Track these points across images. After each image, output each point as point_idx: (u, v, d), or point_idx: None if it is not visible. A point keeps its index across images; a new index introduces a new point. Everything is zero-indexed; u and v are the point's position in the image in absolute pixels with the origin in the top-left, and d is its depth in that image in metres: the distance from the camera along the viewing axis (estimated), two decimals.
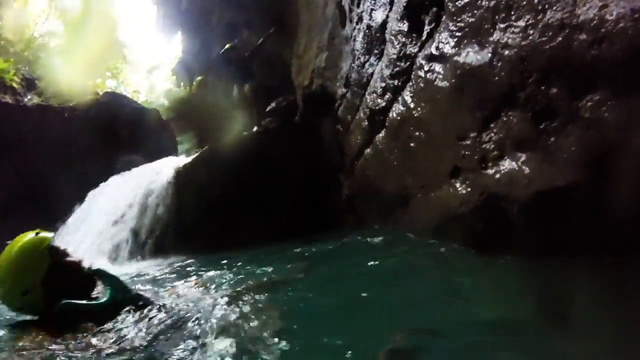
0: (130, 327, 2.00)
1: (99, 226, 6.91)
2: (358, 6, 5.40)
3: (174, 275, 4.37)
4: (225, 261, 4.69)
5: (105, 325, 2.01)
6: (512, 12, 2.13)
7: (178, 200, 7.07)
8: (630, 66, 1.60)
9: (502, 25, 2.22)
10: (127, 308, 2.12)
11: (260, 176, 7.24)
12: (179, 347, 1.79)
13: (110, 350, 1.83)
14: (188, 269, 4.86)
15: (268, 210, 6.97)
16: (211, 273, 3.78)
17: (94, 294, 2.34)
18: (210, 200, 7.07)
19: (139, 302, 2.20)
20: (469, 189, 2.78)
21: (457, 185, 2.93)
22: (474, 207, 2.75)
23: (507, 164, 2.43)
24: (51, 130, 9.92)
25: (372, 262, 3.17)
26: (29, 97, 10.52)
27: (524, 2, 2.03)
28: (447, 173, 3.09)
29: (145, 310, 2.12)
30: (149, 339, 1.88)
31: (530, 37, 2.02)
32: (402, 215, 4.60)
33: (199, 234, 6.72)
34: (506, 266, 2.41)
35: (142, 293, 2.42)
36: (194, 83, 12.51)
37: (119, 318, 2.08)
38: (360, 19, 5.35)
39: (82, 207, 7.60)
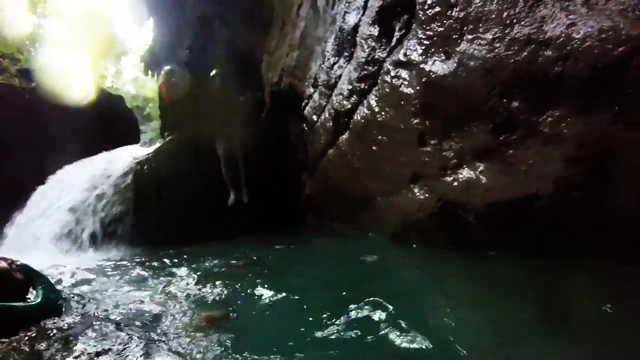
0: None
1: (54, 217, 6.55)
2: (332, 8, 5.36)
3: (116, 272, 4.16)
4: (182, 259, 4.54)
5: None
6: (481, 25, 2.15)
7: (137, 192, 6.79)
8: (593, 84, 1.63)
9: (469, 37, 2.23)
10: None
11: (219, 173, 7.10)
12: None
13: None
14: (131, 265, 4.67)
15: (231, 206, 6.83)
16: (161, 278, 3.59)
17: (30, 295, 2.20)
18: (171, 193, 6.85)
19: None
20: (427, 195, 2.81)
21: (416, 190, 2.95)
22: (430, 212, 2.76)
23: (465, 173, 2.45)
24: (12, 109, 9.33)
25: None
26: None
27: (493, 15, 2.05)
28: (407, 178, 3.10)
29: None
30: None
31: (496, 50, 2.04)
32: (362, 217, 4.61)
33: (157, 228, 6.48)
34: (457, 268, 2.44)
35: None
36: (161, 72, 12.13)
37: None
38: (333, 21, 5.31)
39: (35, 197, 7.20)
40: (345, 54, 4.86)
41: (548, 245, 1.99)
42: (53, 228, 6.55)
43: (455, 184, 2.48)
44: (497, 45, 2.04)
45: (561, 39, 1.69)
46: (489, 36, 2.11)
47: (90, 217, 6.63)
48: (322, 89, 5.58)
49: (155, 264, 4.49)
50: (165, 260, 4.73)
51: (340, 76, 4.93)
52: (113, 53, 20.36)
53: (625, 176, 1.67)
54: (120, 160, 7.21)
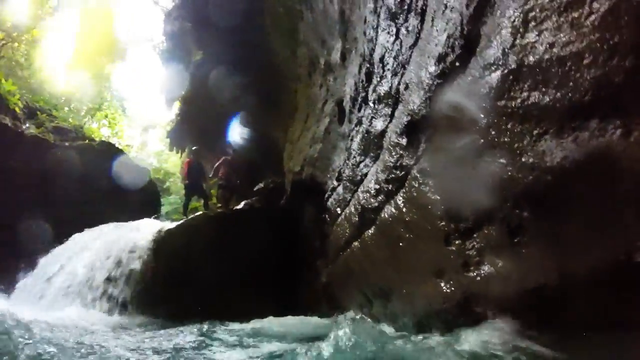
0: None
1: (68, 276, 7.11)
2: (359, 111, 6.32)
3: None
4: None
5: None
6: (496, 151, 2.93)
7: (154, 264, 7.40)
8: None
9: (487, 159, 3.01)
10: None
11: (240, 253, 7.75)
12: None
13: None
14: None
15: (244, 288, 7.38)
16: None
17: None
18: (185, 270, 7.45)
19: None
20: (452, 288, 3.42)
21: (442, 284, 3.58)
22: (456, 303, 3.37)
23: (486, 269, 3.10)
24: (41, 163, 10.23)
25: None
26: (27, 125, 10.91)
27: (506, 145, 2.83)
28: (432, 272, 3.75)
29: None
30: None
31: (509, 173, 2.80)
32: (381, 307, 5.16)
33: (167, 301, 7.00)
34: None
35: None
36: (186, 150, 13.26)
37: None
38: (359, 122, 6.24)
39: (54, 253, 7.81)
40: (372, 154, 5.70)
41: (558, 325, 2.59)
42: (67, 285, 7.08)
43: (478, 278, 3.13)
44: (509, 169, 2.80)
45: (557, 167, 2.44)
46: (503, 161, 2.88)
47: (103, 285, 7.17)
48: (347, 184, 6.38)
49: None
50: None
51: (366, 174, 5.74)
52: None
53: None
54: (143, 231, 7.91)
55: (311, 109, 8.93)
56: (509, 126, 2.77)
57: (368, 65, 6.06)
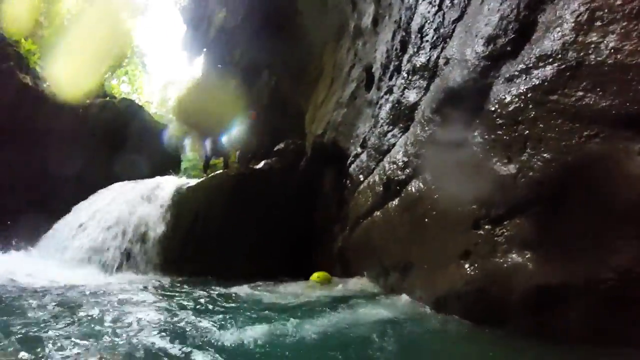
0: None
1: (92, 233, 7.35)
2: (390, 79, 6.27)
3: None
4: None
5: None
6: (541, 145, 2.95)
7: (173, 222, 7.60)
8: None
9: (530, 152, 3.04)
10: None
11: (258, 213, 7.92)
12: None
13: None
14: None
15: (262, 247, 7.59)
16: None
17: None
18: (204, 228, 7.66)
19: None
20: (476, 272, 3.53)
21: (466, 266, 3.68)
22: (478, 287, 3.49)
23: (514, 257, 3.19)
24: (63, 123, 10.37)
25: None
26: (47, 84, 10.98)
27: (552, 140, 2.86)
28: (457, 254, 3.85)
29: None
30: None
31: (551, 169, 2.84)
32: (399, 280, 5.32)
33: (188, 259, 7.25)
34: (497, 341, 3.14)
35: None
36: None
37: None
38: (390, 91, 6.21)
39: (77, 209, 8.04)
40: (401, 125, 5.72)
41: (579, 332, 2.70)
42: (89, 242, 7.35)
43: (505, 265, 3.23)
44: (553, 165, 2.84)
45: (602, 171, 2.49)
46: (547, 156, 2.91)
47: (126, 239, 7.42)
48: (372, 152, 6.42)
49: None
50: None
51: (394, 144, 5.77)
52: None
53: None
54: (164, 189, 8.10)
55: (337, 73, 8.84)
56: (558, 122, 2.79)
57: (404, 34, 5.97)
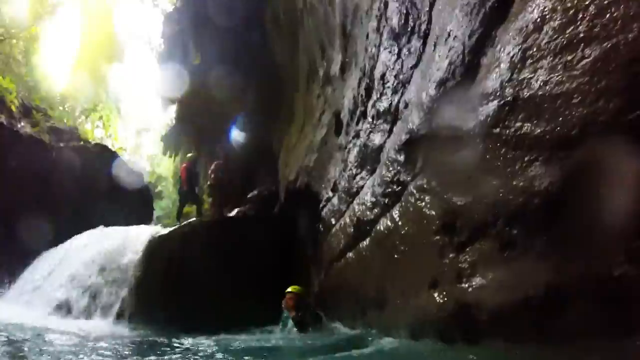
0: None
1: (61, 279, 7.27)
2: (357, 124, 6.63)
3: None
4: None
5: None
6: (488, 175, 3.25)
7: (146, 270, 7.59)
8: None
9: (481, 183, 3.34)
10: None
11: (233, 260, 7.99)
12: None
13: None
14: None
15: (239, 295, 7.59)
16: None
17: None
18: (179, 277, 7.65)
19: None
20: (446, 298, 3.73)
21: (436, 295, 3.88)
22: (449, 313, 3.68)
23: (478, 280, 3.41)
24: (36, 164, 10.32)
25: None
26: (22, 124, 11.00)
27: (499, 169, 3.16)
28: (427, 283, 4.05)
29: None
30: None
31: (501, 195, 3.12)
32: (375, 316, 5.45)
33: (161, 308, 7.18)
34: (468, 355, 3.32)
35: None
36: (179, 155, 13.55)
37: None
38: (357, 135, 6.56)
39: (48, 255, 7.97)
40: (368, 167, 6.02)
41: (546, 333, 2.90)
42: (53, 292, 7.24)
43: (470, 289, 3.44)
44: (502, 191, 3.12)
45: (544, 193, 2.77)
46: (495, 182, 3.20)
47: (97, 285, 7.34)
48: (342, 195, 6.68)
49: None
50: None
51: (362, 187, 6.05)
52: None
53: None
54: (138, 237, 8.11)
55: (308, 117, 9.23)
56: (502, 152, 3.10)
57: (368, 81, 6.38)
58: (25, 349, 4.27)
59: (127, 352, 4.74)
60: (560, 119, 2.57)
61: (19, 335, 4.94)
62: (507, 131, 3.03)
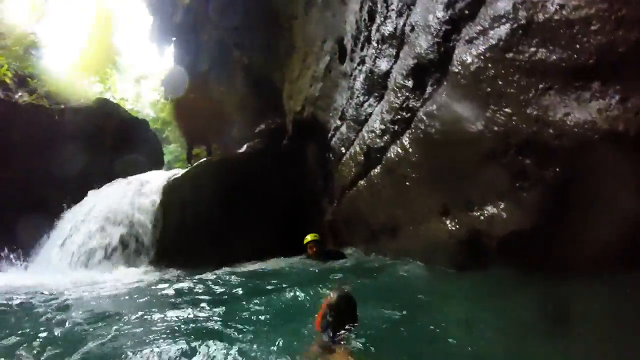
0: None
1: (86, 234, 7.50)
2: (362, 50, 6.43)
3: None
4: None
5: None
6: (503, 101, 3.19)
7: (163, 215, 7.77)
8: (574, 154, 2.67)
9: (494, 107, 3.28)
10: None
11: (245, 196, 8.13)
12: None
13: None
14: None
15: (251, 230, 7.80)
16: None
17: None
18: (194, 217, 7.83)
19: None
20: (457, 226, 3.82)
21: (447, 221, 3.97)
22: (460, 239, 3.78)
23: (489, 209, 3.47)
24: (40, 131, 10.31)
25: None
26: (19, 94, 10.88)
27: (512, 96, 3.09)
28: (438, 211, 4.13)
29: None
30: None
31: (514, 122, 3.09)
32: (387, 242, 5.62)
33: (181, 250, 7.43)
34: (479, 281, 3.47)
35: None
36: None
37: None
38: (362, 62, 6.38)
39: (67, 216, 8.18)
40: (376, 94, 5.91)
41: (552, 262, 3.01)
42: (84, 245, 7.52)
43: (482, 217, 3.50)
44: (514, 119, 3.08)
45: (559, 123, 2.73)
46: (509, 110, 3.15)
47: (119, 236, 7.60)
48: (351, 123, 6.63)
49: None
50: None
51: (370, 114, 5.98)
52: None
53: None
54: (153, 183, 8.25)
55: (309, 47, 8.94)
56: (515, 78, 3.02)
57: (371, 4, 6.11)
58: (68, 302, 4.45)
59: (162, 293, 4.99)
60: (577, 46, 2.47)
61: (56, 291, 5.14)
62: (521, 56, 2.93)
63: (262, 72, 11.30)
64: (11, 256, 7.68)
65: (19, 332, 3.28)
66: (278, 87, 10.49)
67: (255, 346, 2.61)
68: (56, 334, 3.25)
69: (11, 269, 7.54)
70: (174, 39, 15.01)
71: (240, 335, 2.90)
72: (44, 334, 3.22)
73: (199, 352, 2.60)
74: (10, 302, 4.53)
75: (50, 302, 4.51)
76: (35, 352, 2.82)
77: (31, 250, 8.03)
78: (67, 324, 3.53)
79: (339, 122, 7.20)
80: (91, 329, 3.33)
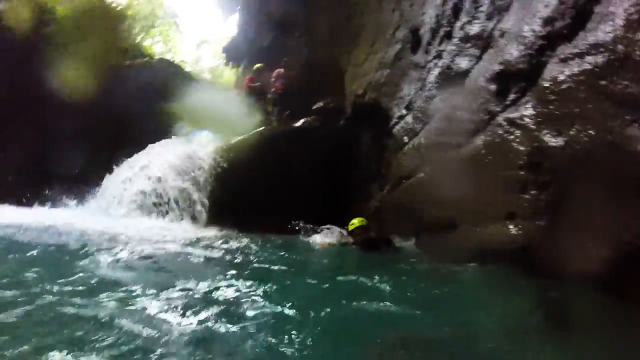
0: None
1: (139, 186, 8.32)
2: (440, 44, 6.88)
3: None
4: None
5: None
6: (586, 122, 3.68)
7: (217, 180, 8.51)
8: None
9: (578, 128, 3.78)
10: None
11: (298, 168, 8.76)
12: None
13: None
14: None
15: (299, 204, 8.40)
16: None
17: None
18: (245, 185, 8.54)
19: None
20: (520, 232, 4.35)
21: (510, 226, 4.49)
22: (520, 245, 4.32)
23: (555, 220, 3.99)
24: (103, 84, 11.21)
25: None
26: None
27: (596, 120, 3.58)
28: (503, 215, 4.65)
29: None
30: None
31: (596, 145, 3.59)
32: (438, 238, 6.15)
33: (230, 212, 8.16)
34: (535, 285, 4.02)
35: None
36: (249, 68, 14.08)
37: None
38: (439, 56, 6.83)
39: (124, 166, 9.06)
40: (450, 90, 6.38)
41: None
42: (136, 197, 8.34)
43: (547, 227, 4.03)
44: (597, 142, 3.59)
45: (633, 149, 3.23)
46: (592, 132, 3.65)
47: (175, 191, 8.39)
48: (418, 115, 7.11)
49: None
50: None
51: (440, 109, 6.47)
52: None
53: None
54: (207, 147, 9.02)
55: (380, 32, 9.36)
56: (604, 105, 3.51)
57: (457, 1, 6.51)
58: (131, 254, 5.09)
59: (223, 247, 5.82)
60: None
61: (115, 241, 5.84)
62: (613, 86, 3.41)
63: (326, 53, 11.77)
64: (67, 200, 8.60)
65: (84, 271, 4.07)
66: (339, 69, 10.99)
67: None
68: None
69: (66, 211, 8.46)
70: (238, 7, 15.63)
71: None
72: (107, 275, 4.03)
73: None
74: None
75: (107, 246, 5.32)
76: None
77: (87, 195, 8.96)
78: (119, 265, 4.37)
79: (404, 112, 7.67)
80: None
